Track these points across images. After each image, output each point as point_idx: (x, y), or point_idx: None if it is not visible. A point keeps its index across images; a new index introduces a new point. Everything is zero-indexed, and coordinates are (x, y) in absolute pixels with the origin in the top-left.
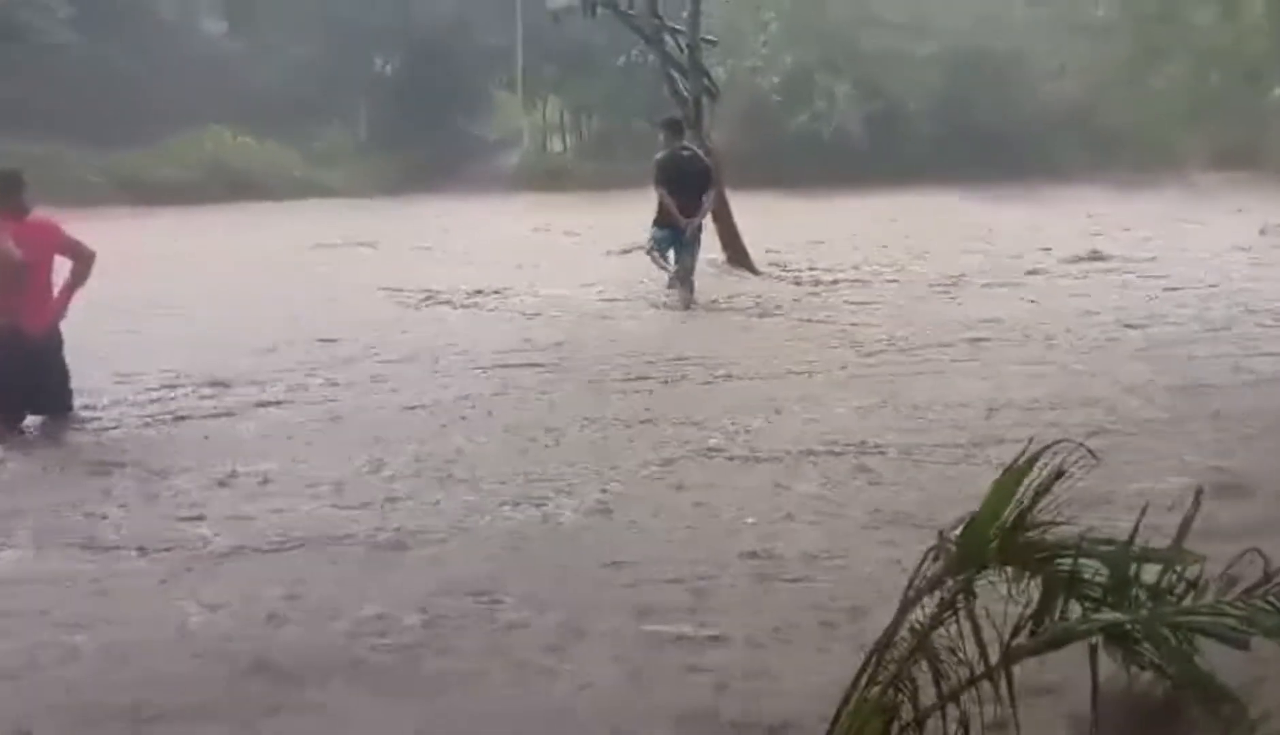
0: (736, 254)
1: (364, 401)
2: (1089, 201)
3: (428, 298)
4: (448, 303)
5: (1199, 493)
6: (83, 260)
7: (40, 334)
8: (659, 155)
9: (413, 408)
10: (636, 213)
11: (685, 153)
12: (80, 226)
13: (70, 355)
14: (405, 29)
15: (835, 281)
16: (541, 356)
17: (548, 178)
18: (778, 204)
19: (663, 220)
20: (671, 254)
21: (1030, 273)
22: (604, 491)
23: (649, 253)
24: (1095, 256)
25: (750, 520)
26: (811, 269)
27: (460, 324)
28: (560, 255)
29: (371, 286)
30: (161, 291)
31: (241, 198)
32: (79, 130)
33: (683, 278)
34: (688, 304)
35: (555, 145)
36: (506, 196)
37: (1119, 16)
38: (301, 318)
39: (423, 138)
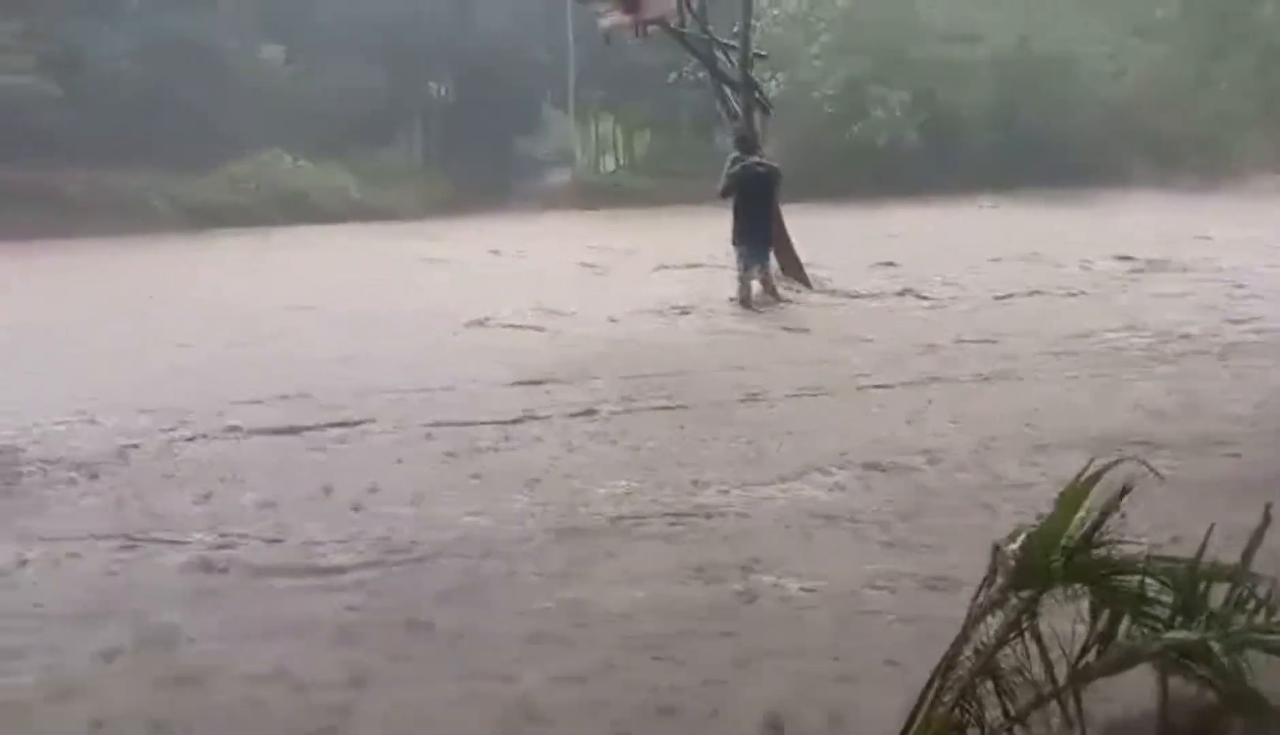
0: (791, 267)
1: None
2: (1152, 207)
3: (482, 321)
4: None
5: (1268, 508)
6: None
7: None
8: (734, 168)
9: (474, 422)
10: (691, 229)
11: (760, 167)
12: (132, 252)
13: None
14: (459, 52)
15: (903, 293)
16: (667, 382)
17: (600, 195)
18: (832, 216)
19: (741, 236)
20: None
21: (1100, 280)
22: None
23: (740, 276)
24: (1165, 265)
25: None
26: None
27: (542, 343)
28: (620, 273)
29: (439, 307)
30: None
31: (300, 220)
32: (143, 158)
33: (766, 283)
34: (764, 301)
35: (607, 163)
36: (560, 214)
37: (1178, 16)
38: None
39: (477, 158)
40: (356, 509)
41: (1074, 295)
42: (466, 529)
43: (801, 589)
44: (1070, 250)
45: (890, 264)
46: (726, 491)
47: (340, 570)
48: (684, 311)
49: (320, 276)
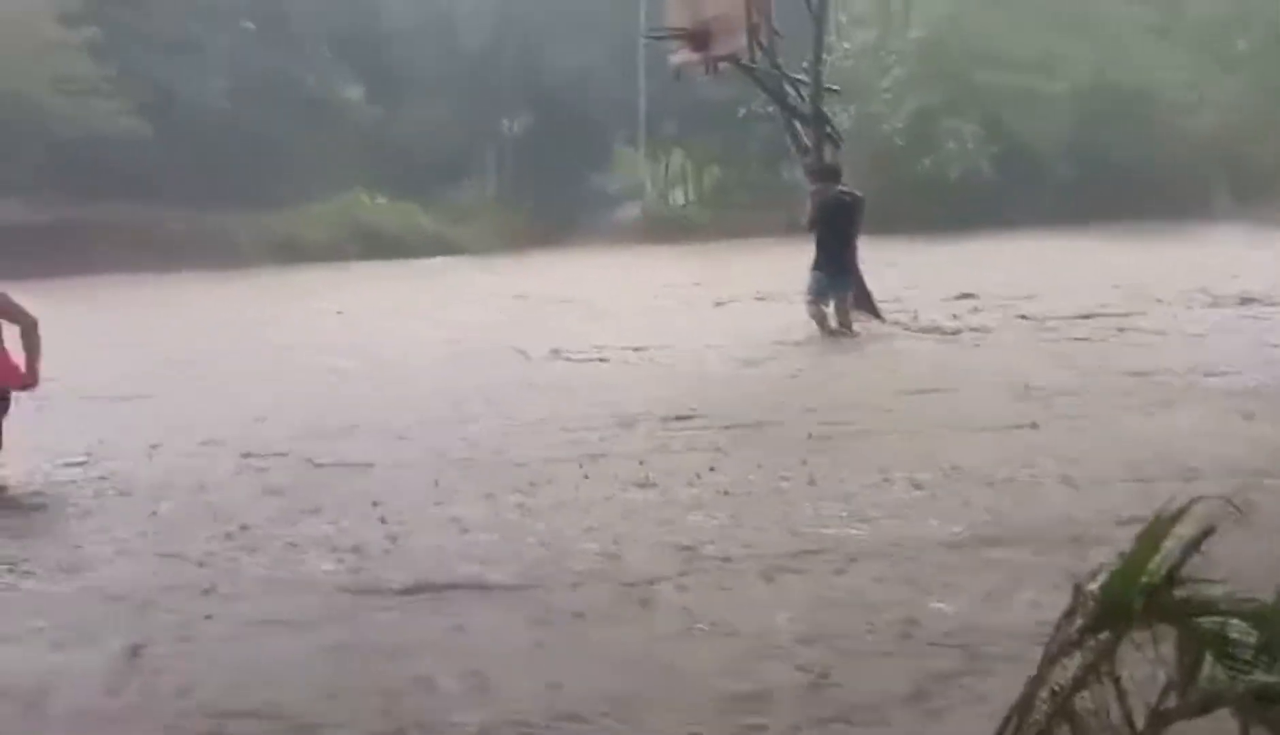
0: (861, 299)
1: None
2: (1236, 241)
3: (554, 354)
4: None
5: None
6: (26, 325)
7: None
8: (820, 198)
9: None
10: (762, 261)
11: (846, 196)
12: (228, 285)
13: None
14: (533, 89)
15: (978, 329)
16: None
17: (670, 229)
18: (903, 248)
19: (822, 264)
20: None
21: (1199, 315)
22: None
23: (810, 302)
24: (1252, 299)
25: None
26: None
27: (620, 377)
28: (694, 306)
29: (510, 342)
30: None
31: (376, 255)
32: (230, 195)
33: (842, 314)
34: (840, 333)
35: (677, 197)
36: (630, 248)
37: (1260, 47)
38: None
39: (548, 193)
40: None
41: (1160, 333)
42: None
43: None
44: (1160, 284)
45: (968, 295)
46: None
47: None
48: (773, 343)
49: (402, 311)
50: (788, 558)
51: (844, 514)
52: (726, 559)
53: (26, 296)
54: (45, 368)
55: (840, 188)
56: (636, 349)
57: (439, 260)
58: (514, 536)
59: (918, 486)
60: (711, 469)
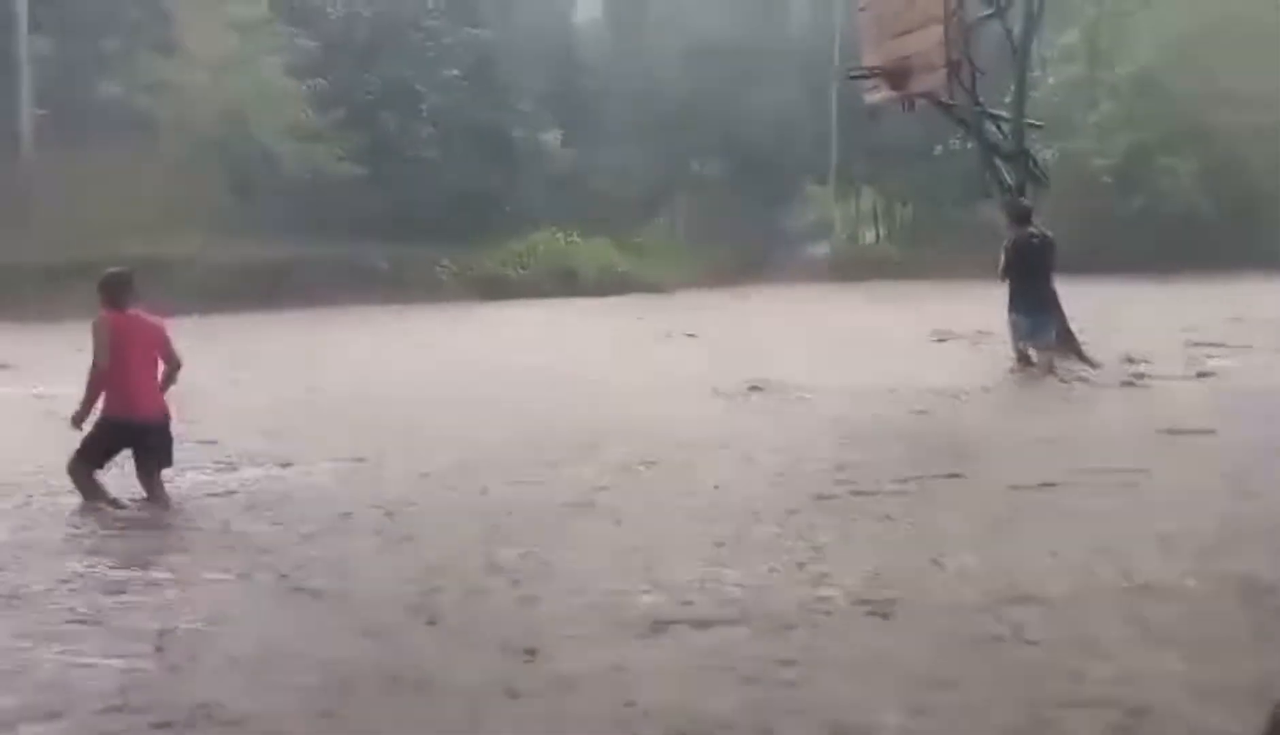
0: (1067, 342)
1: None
2: None
3: (752, 388)
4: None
5: None
6: (171, 364)
7: (151, 415)
8: (1008, 240)
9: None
10: (956, 300)
11: (1034, 237)
12: (432, 316)
13: None
14: (724, 131)
15: (1203, 374)
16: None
17: (861, 267)
18: (1113, 290)
19: (1020, 305)
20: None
21: None
22: None
23: (1016, 347)
24: None
25: None
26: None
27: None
28: (889, 345)
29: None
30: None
31: (569, 293)
32: (435, 234)
33: (1044, 358)
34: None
35: (867, 235)
36: (819, 287)
37: None
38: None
39: (738, 232)
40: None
41: None
42: None
43: None
44: None
45: (1198, 341)
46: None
47: None
48: (968, 386)
49: (599, 346)
50: None
51: None
52: None
53: (269, 325)
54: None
55: (1030, 229)
56: (826, 385)
57: (630, 297)
58: None
59: None
60: None
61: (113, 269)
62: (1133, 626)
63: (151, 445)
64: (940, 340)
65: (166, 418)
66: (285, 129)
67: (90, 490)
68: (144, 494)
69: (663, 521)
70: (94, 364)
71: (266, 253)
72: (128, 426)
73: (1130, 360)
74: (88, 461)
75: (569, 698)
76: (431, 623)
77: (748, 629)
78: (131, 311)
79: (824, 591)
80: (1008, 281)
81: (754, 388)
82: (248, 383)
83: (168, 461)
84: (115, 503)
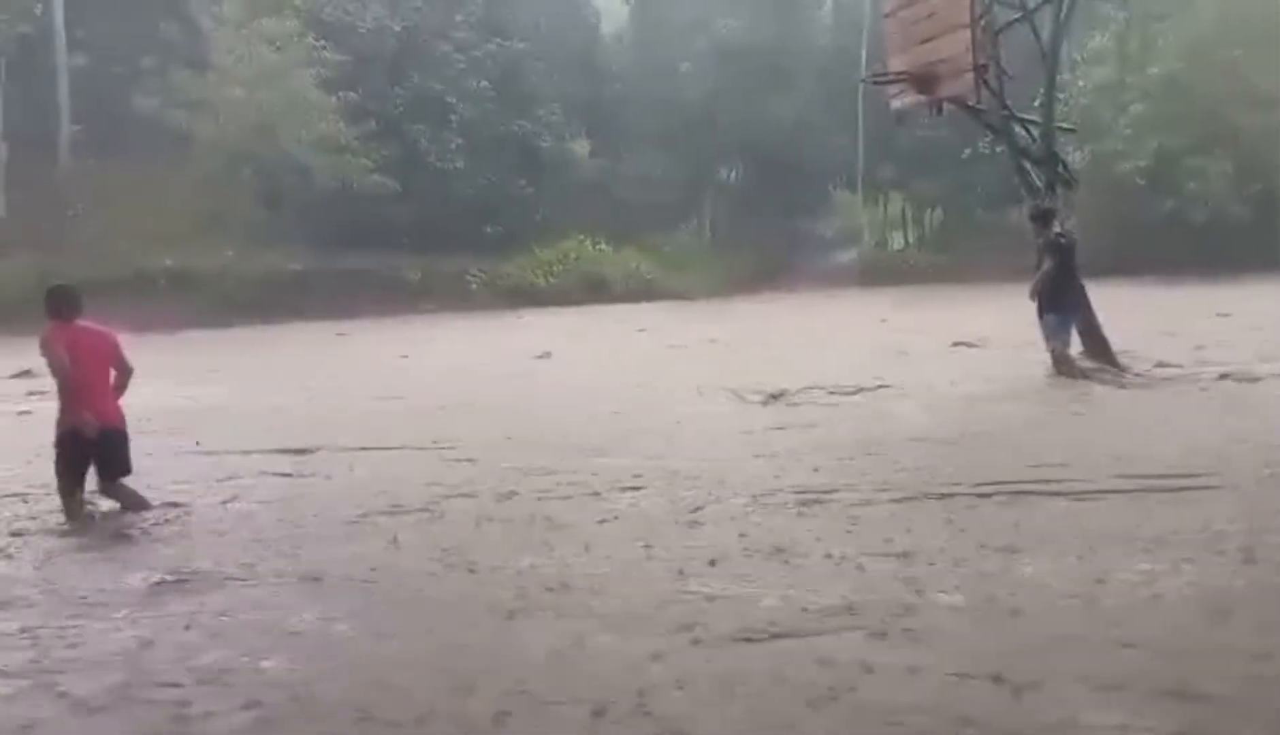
0: (1096, 346)
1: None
2: None
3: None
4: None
5: None
6: (123, 371)
7: (109, 422)
8: (1040, 242)
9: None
10: (987, 305)
11: (1062, 239)
12: (460, 324)
13: None
14: (751, 138)
15: (1222, 376)
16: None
17: (889, 273)
18: (1142, 293)
19: (1053, 305)
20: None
21: None
22: None
23: (1051, 349)
24: None
25: None
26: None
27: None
28: (921, 351)
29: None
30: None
31: (598, 300)
32: (465, 244)
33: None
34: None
35: (895, 241)
36: (848, 292)
37: None
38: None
39: (765, 238)
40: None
41: None
42: None
43: None
44: None
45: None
46: None
47: None
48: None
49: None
50: None
51: None
52: None
53: (292, 334)
54: None
55: (1056, 231)
56: (858, 388)
57: (656, 305)
58: None
59: None
60: None
61: (57, 283)
62: None
63: (111, 451)
64: (964, 344)
65: (123, 423)
66: (316, 142)
67: (73, 511)
68: (115, 502)
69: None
70: (59, 376)
71: (297, 264)
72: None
73: (1162, 363)
74: (70, 483)
75: None
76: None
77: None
78: (79, 323)
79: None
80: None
81: (774, 394)
82: (318, 391)
83: (127, 468)
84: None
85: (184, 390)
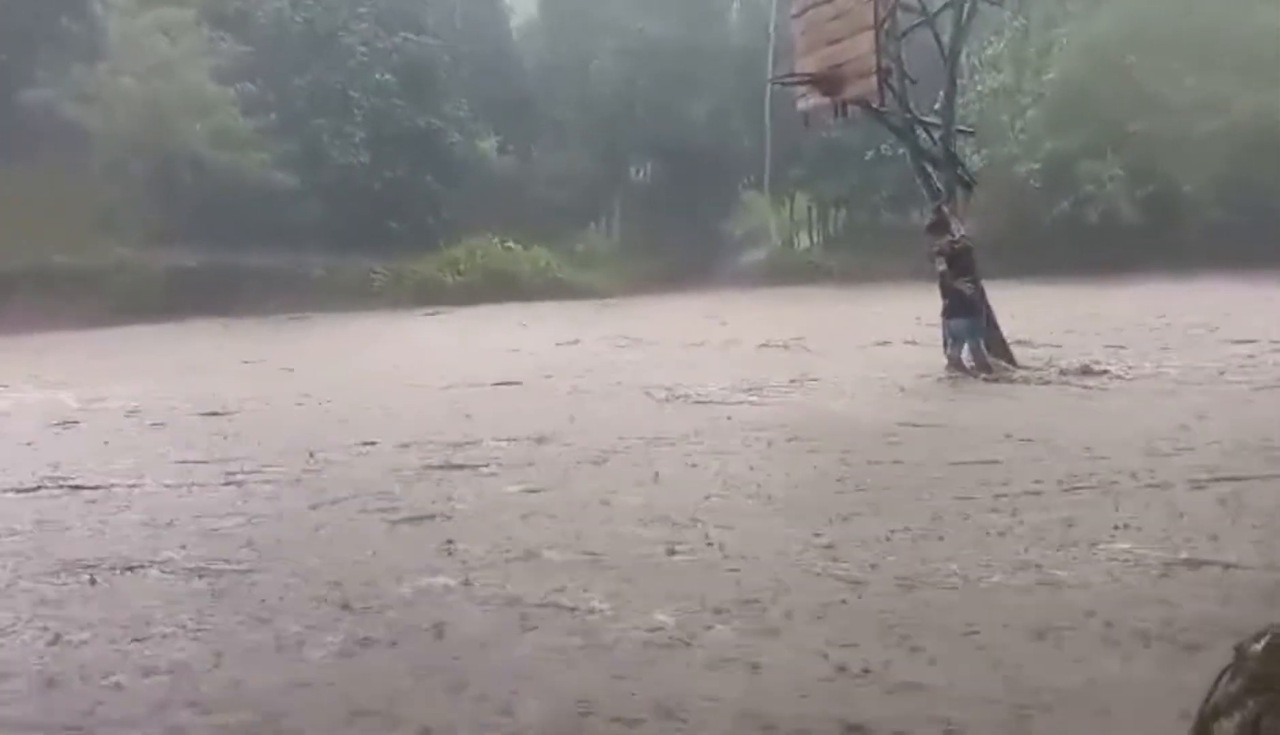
0: (994, 344)
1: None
2: None
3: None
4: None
5: None
6: None
7: None
8: (934, 248)
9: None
10: (893, 305)
11: (955, 244)
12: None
13: None
14: (660, 137)
15: (1106, 373)
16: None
17: (795, 273)
18: (1037, 293)
19: (959, 310)
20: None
21: None
22: None
23: (971, 349)
24: None
25: None
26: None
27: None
28: (823, 350)
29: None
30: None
31: (507, 298)
32: (370, 242)
33: (977, 356)
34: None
35: (802, 241)
36: (755, 292)
37: None
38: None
39: (674, 238)
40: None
41: None
42: None
43: None
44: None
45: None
46: None
47: None
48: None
49: (525, 351)
50: None
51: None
52: None
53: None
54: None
55: (950, 238)
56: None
57: (566, 304)
58: None
59: None
60: None
61: None
62: None
63: None
64: (876, 344)
65: None
66: (213, 135)
67: None
68: None
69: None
70: None
71: (196, 261)
72: None
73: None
74: None
75: None
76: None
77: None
78: None
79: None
80: (940, 288)
81: (677, 395)
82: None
83: None
84: None
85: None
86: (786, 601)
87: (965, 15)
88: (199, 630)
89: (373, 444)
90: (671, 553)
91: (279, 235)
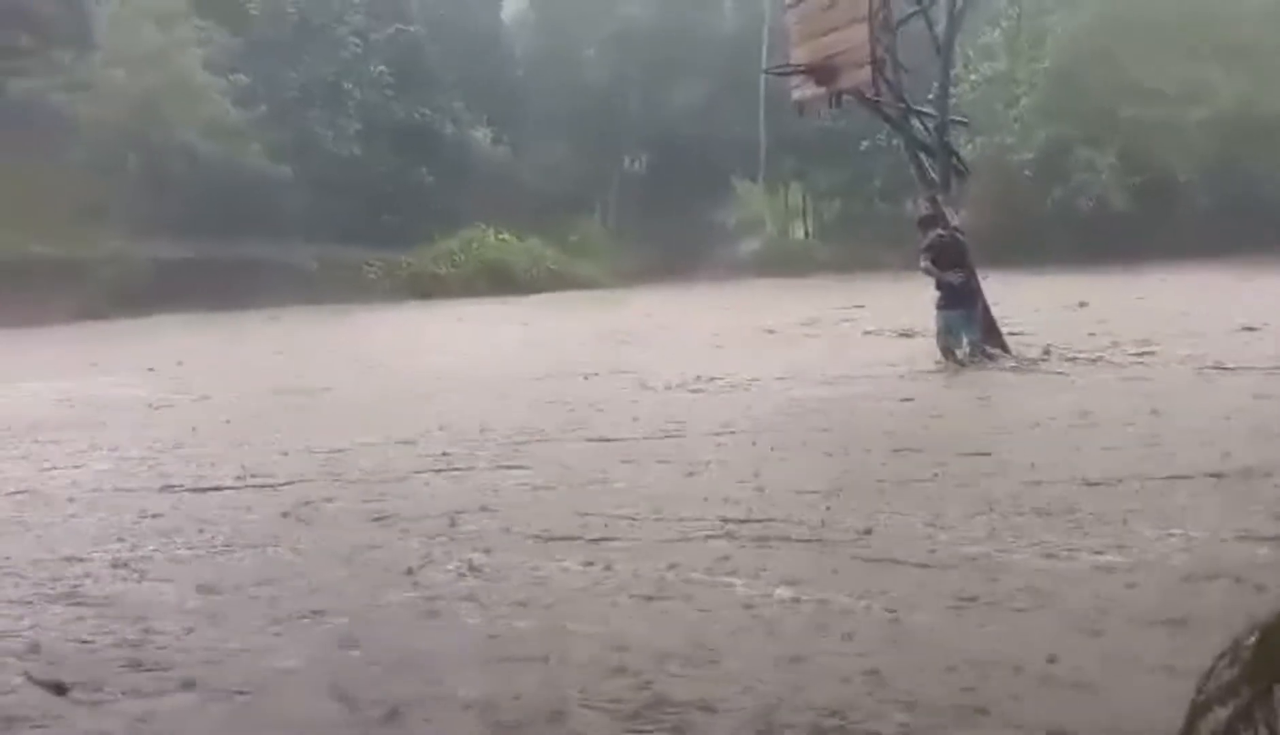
0: (989, 333)
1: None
2: None
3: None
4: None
5: None
6: None
7: None
8: (924, 243)
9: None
10: (887, 295)
11: (943, 236)
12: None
13: None
14: (654, 127)
15: (1096, 361)
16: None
17: (790, 263)
18: (1030, 281)
19: (953, 301)
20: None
21: None
22: None
23: (969, 340)
24: None
25: None
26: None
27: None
28: (821, 340)
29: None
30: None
31: (501, 291)
32: (363, 234)
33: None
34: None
35: (797, 231)
36: (749, 282)
37: None
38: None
39: (668, 228)
40: None
41: None
42: None
43: None
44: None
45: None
46: None
47: None
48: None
49: (527, 343)
50: None
51: None
52: None
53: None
54: None
55: (939, 231)
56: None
57: (561, 295)
58: None
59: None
60: None
61: None
62: None
63: None
64: (871, 333)
65: None
66: (205, 125)
67: None
68: None
69: None
70: None
71: (187, 253)
72: None
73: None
74: None
75: None
76: None
77: None
78: None
79: None
80: (935, 278)
81: (680, 384)
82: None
83: None
84: None
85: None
86: None
87: (959, 4)
88: None
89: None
90: None
91: (271, 227)
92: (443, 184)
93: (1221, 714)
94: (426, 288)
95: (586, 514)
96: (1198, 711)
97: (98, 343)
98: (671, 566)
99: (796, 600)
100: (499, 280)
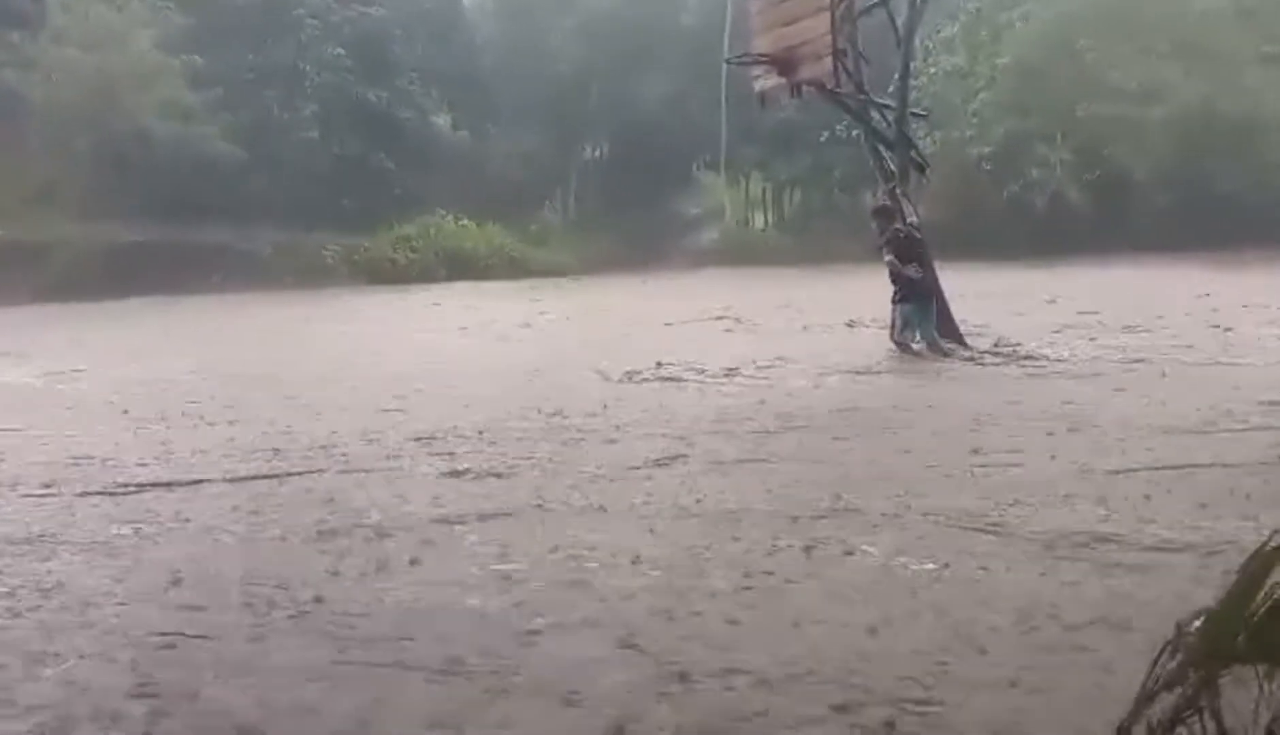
0: (945, 327)
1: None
2: None
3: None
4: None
5: None
6: None
7: None
8: (882, 239)
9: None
10: (845, 286)
11: (900, 231)
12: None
13: None
14: (615, 115)
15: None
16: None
17: (750, 253)
18: (985, 275)
19: (909, 295)
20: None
21: None
22: None
23: (923, 333)
24: None
25: None
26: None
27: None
28: (772, 330)
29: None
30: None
31: (461, 277)
32: (321, 219)
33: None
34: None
35: (757, 221)
36: (709, 272)
37: None
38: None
39: (629, 217)
40: None
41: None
42: None
43: None
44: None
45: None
46: None
47: None
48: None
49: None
50: None
51: None
52: None
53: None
54: None
55: (896, 226)
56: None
57: (523, 282)
58: None
59: None
60: None
61: None
62: None
63: None
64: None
65: None
66: (159, 107)
67: None
68: None
69: None
70: None
71: (141, 236)
72: None
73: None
74: None
75: None
76: None
77: None
78: None
79: None
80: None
81: (628, 374)
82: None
83: None
84: None
85: None
86: None
87: None
88: None
89: None
90: None
91: (227, 211)
92: (403, 169)
93: (1168, 700)
94: (383, 274)
95: None
96: (1144, 698)
97: (37, 328)
98: None
99: None
100: (457, 267)
